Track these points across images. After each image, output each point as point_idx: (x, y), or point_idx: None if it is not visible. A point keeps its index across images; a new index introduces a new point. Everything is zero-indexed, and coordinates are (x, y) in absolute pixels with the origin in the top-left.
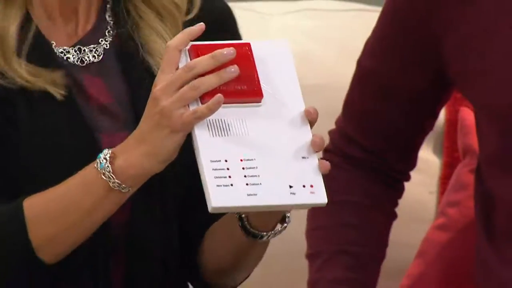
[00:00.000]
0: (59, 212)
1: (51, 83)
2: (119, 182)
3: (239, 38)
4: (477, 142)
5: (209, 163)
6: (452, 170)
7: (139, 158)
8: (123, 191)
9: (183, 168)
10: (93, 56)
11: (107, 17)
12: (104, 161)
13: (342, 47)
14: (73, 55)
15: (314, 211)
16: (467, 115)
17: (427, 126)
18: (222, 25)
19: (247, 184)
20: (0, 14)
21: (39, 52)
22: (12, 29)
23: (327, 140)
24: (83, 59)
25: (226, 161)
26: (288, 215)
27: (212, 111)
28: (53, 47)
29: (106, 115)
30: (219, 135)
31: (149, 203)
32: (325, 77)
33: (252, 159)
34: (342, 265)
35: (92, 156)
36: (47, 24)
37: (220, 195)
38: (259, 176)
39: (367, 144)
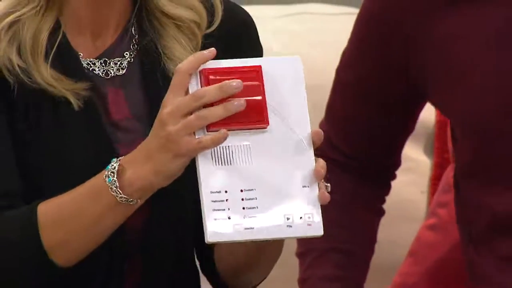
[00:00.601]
0: (68, 218)
1: (72, 92)
2: (126, 197)
3: (259, 48)
4: None
5: (208, 194)
6: (442, 170)
7: (146, 173)
8: (130, 203)
9: None
10: (117, 69)
11: (132, 30)
12: (112, 175)
13: (335, 50)
14: (98, 67)
15: None
16: None
17: (408, 127)
18: (243, 37)
19: (244, 217)
20: (38, 19)
21: (66, 61)
22: (44, 34)
23: None
24: (108, 71)
25: (226, 192)
26: None
27: (216, 144)
28: (80, 58)
29: (121, 130)
30: (222, 164)
31: (166, 208)
32: (318, 79)
33: (252, 189)
34: (332, 263)
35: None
36: (76, 35)
37: (216, 229)
38: (257, 207)
39: (350, 151)
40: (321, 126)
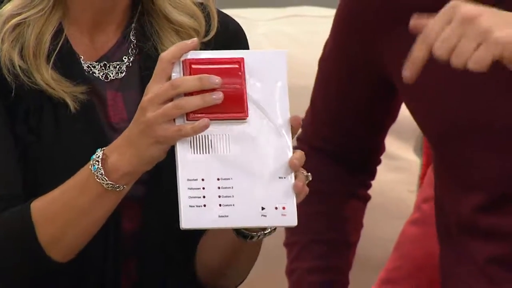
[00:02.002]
0: (60, 212)
1: (70, 94)
2: (112, 183)
3: None
4: None
5: (185, 181)
6: None
7: (129, 158)
8: (117, 190)
9: None
10: (117, 73)
11: (131, 34)
12: (97, 163)
13: None
14: (98, 70)
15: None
16: None
17: (392, 113)
18: (236, 46)
19: (220, 205)
20: (42, 21)
21: (67, 63)
22: (47, 35)
23: None
24: (107, 74)
25: (203, 180)
26: None
27: (196, 133)
28: (81, 60)
29: (119, 132)
30: (200, 153)
31: (160, 211)
32: (310, 80)
33: (229, 179)
34: (315, 254)
35: None
36: (77, 37)
37: (191, 216)
38: (233, 196)
39: (336, 138)
40: (308, 115)
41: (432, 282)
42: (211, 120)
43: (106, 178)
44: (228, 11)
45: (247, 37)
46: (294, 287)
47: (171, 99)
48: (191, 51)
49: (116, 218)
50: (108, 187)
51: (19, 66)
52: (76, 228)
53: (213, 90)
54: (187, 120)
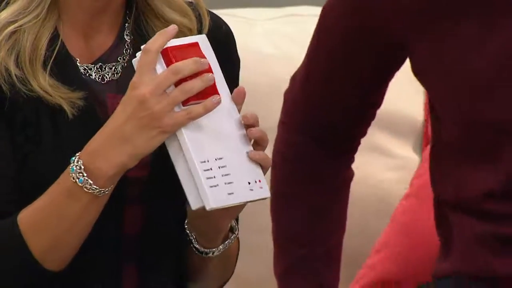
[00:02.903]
0: (51, 223)
1: (67, 100)
2: (102, 189)
3: (237, 59)
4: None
5: (200, 164)
6: None
7: (121, 158)
8: (107, 193)
9: None
10: (112, 74)
11: (125, 35)
12: (81, 174)
13: None
14: (95, 72)
15: (278, 195)
16: None
17: (380, 97)
18: (227, 46)
19: (225, 183)
20: (38, 27)
21: (64, 69)
22: (43, 41)
23: None
24: (104, 76)
25: (208, 161)
26: (235, 225)
27: (208, 110)
28: (77, 63)
29: None
30: (199, 136)
31: (160, 216)
32: None
33: (221, 158)
34: (308, 272)
35: None
36: (72, 40)
37: (213, 195)
38: (230, 174)
39: (325, 120)
40: (293, 98)
41: (416, 245)
42: (190, 105)
43: (96, 187)
44: (227, 11)
45: (246, 37)
46: None
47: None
48: None
49: (117, 220)
50: (100, 194)
51: (15, 75)
52: (69, 236)
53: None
54: (183, 106)
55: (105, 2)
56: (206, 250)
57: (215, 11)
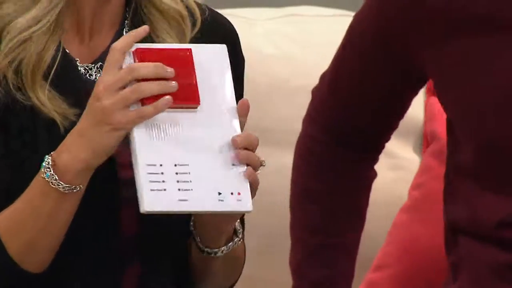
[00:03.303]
0: (26, 224)
1: (61, 115)
2: (68, 185)
3: (242, 56)
4: (441, 128)
5: (145, 166)
6: None
7: (81, 153)
8: (75, 191)
9: None
10: None
11: (124, 32)
12: (48, 170)
13: (325, 51)
14: (95, 72)
15: (299, 189)
16: (434, 103)
17: (409, 102)
18: (231, 44)
19: (179, 190)
20: (46, 38)
21: (64, 72)
22: (49, 53)
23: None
24: None
25: (161, 165)
26: (240, 228)
27: (158, 111)
28: (77, 63)
29: None
30: (156, 139)
31: (157, 216)
32: (308, 79)
33: (185, 165)
34: (323, 262)
35: (108, 175)
36: (73, 41)
37: (153, 199)
38: (191, 181)
39: (354, 122)
40: (321, 93)
41: (417, 265)
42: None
43: (62, 182)
44: (227, 11)
45: (246, 37)
46: None
47: (125, 87)
48: (141, 44)
49: (115, 222)
50: (65, 190)
51: (12, 83)
52: (45, 236)
53: (165, 79)
54: (141, 105)
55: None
56: (209, 250)
57: (217, 10)
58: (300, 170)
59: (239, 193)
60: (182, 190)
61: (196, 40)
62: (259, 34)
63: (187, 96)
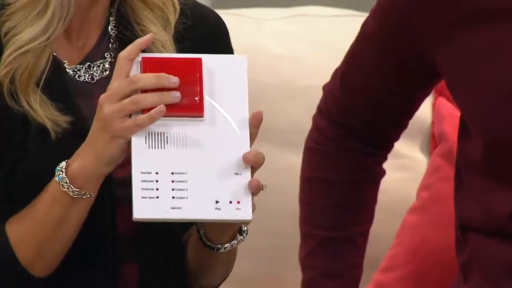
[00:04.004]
0: (34, 228)
1: (52, 121)
2: (78, 190)
3: (231, 51)
4: (449, 129)
5: (139, 174)
6: None
7: (90, 160)
8: (84, 197)
9: None
10: (101, 72)
11: (109, 29)
12: (61, 173)
13: (332, 51)
14: (84, 72)
15: (308, 182)
16: (442, 104)
17: (421, 100)
18: (216, 39)
19: (173, 198)
20: (43, 48)
21: (54, 77)
22: (43, 61)
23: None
24: (93, 75)
25: (157, 173)
26: (245, 228)
27: (153, 120)
28: (65, 66)
29: None
30: (155, 147)
31: None
32: (316, 79)
33: (183, 173)
34: (333, 255)
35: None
36: (60, 43)
37: (143, 206)
38: (187, 190)
39: (366, 117)
40: (333, 87)
41: (427, 267)
42: (167, 117)
43: (72, 186)
44: (235, 11)
45: (254, 37)
46: (307, 286)
47: (128, 96)
48: (149, 54)
49: (111, 221)
50: (74, 194)
51: (7, 90)
52: (53, 242)
53: (170, 89)
54: (142, 114)
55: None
56: (212, 245)
57: (223, 11)
58: (309, 164)
59: (238, 202)
60: (176, 198)
61: (186, 29)
62: (267, 34)
63: (192, 106)
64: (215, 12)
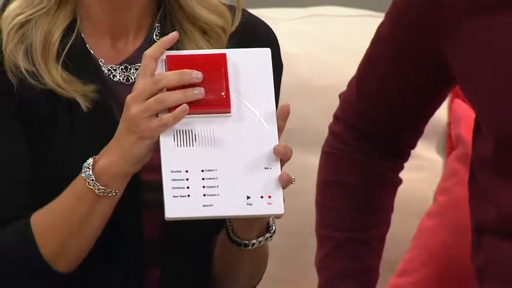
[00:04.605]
0: (58, 223)
1: (81, 94)
2: (103, 188)
3: (280, 63)
4: (466, 132)
5: (169, 173)
6: None
7: (116, 159)
8: (109, 195)
9: None
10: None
11: (154, 36)
12: (87, 170)
13: (348, 51)
14: (119, 73)
15: (325, 186)
16: (459, 106)
17: (437, 104)
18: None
19: (204, 195)
20: (48, 19)
21: (78, 63)
22: (56, 35)
23: (321, 137)
24: (128, 77)
25: (187, 171)
26: (273, 224)
27: (177, 119)
28: (100, 64)
29: None
30: (184, 145)
31: (182, 220)
32: (331, 79)
33: (213, 170)
34: (349, 256)
35: (132, 177)
36: (95, 39)
37: (175, 206)
38: (218, 186)
39: (381, 121)
40: (349, 93)
41: (443, 272)
42: (195, 114)
43: (98, 184)
44: (251, 11)
45: None
46: (323, 287)
47: (153, 95)
48: (173, 51)
49: (137, 225)
50: (100, 192)
51: (26, 69)
52: (77, 238)
53: (195, 85)
54: (169, 113)
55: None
56: (239, 240)
57: None
58: (326, 168)
59: (269, 196)
60: (207, 195)
61: (235, 41)
62: (282, 34)
63: (218, 101)
64: (266, 24)
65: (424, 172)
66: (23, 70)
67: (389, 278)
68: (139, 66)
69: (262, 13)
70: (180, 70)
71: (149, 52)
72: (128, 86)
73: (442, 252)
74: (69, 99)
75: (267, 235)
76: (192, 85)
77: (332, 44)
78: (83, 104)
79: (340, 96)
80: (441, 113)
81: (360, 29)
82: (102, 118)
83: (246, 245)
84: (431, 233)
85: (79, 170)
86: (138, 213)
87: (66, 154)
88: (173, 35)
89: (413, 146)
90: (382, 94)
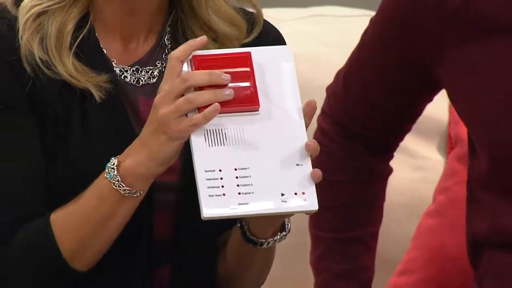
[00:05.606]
0: (79, 222)
1: (94, 84)
2: (129, 188)
3: None
4: (465, 131)
5: (203, 173)
6: None
7: (142, 160)
8: (134, 196)
9: None
10: (149, 78)
11: (165, 40)
12: (112, 170)
13: (349, 51)
14: (130, 75)
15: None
16: None
17: (422, 107)
18: None
19: (239, 193)
20: (64, 12)
21: (90, 55)
22: (69, 26)
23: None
24: (139, 79)
25: (220, 170)
26: (288, 223)
27: (207, 119)
28: (113, 63)
29: None
30: (215, 145)
31: (192, 217)
32: (332, 79)
33: (246, 168)
34: (343, 256)
35: None
36: (106, 39)
37: (212, 204)
38: (252, 185)
39: (365, 121)
40: (336, 89)
41: (443, 271)
42: (223, 113)
43: (123, 184)
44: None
45: None
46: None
47: (183, 95)
48: (199, 51)
49: (148, 225)
50: (125, 193)
51: (40, 58)
52: (97, 238)
53: (223, 86)
54: (198, 113)
55: (142, 3)
56: (255, 239)
57: None
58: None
59: (303, 193)
60: (242, 193)
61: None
62: (284, 34)
63: (246, 100)
64: (275, 28)
65: (425, 172)
66: (37, 58)
67: (389, 278)
68: (150, 69)
69: (263, 13)
70: (209, 70)
71: (175, 53)
72: (138, 88)
73: (441, 252)
74: (82, 92)
75: (283, 233)
76: (220, 86)
77: (333, 44)
78: (97, 95)
79: (327, 89)
80: (442, 113)
81: (361, 29)
82: (114, 117)
83: (261, 244)
84: (430, 233)
85: (92, 168)
86: (151, 213)
87: (79, 152)
88: (203, 39)
89: (399, 140)
90: (366, 97)
